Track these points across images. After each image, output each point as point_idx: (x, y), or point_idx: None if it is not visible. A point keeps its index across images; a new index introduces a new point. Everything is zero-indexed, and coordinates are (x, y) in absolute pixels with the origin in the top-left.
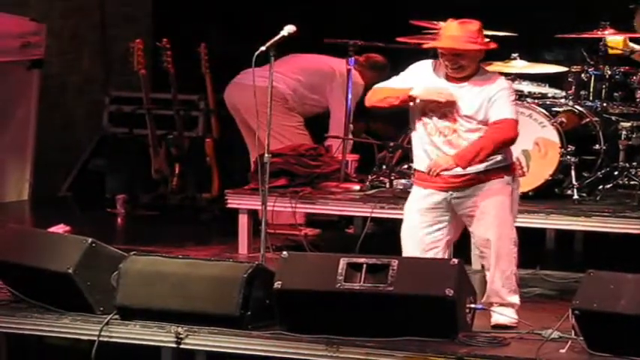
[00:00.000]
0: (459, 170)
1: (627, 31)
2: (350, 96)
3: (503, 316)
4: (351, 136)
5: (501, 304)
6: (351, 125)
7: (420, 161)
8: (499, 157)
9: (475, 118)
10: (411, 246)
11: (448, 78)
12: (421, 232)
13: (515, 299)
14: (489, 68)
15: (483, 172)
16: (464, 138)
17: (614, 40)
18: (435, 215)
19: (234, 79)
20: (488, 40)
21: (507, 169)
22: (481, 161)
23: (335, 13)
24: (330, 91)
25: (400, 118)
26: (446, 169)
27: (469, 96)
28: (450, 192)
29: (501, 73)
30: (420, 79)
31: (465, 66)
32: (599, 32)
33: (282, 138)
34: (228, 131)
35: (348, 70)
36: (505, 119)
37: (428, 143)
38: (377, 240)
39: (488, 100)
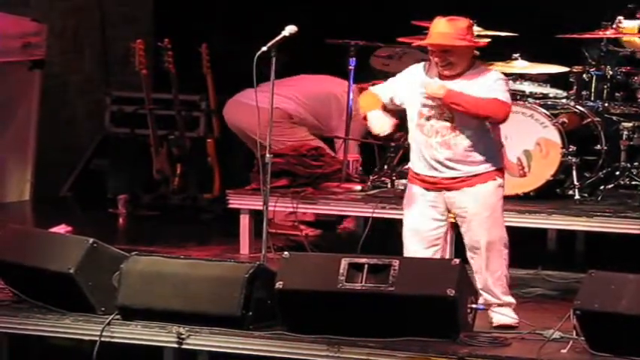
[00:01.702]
0: (451, 173)
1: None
2: (352, 95)
3: (504, 316)
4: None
5: (499, 305)
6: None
7: (416, 161)
8: (491, 161)
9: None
10: (413, 244)
11: (441, 76)
12: (422, 230)
13: (511, 298)
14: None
15: (475, 174)
16: (462, 137)
17: (630, 26)
18: (434, 213)
19: (235, 97)
20: (480, 38)
21: (499, 171)
22: (462, 109)
23: (336, 13)
24: (338, 121)
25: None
26: (432, 95)
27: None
28: (444, 192)
29: (503, 74)
30: (412, 81)
31: (454, 63)
32: (600, 32)
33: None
34: (230, 131)
35: (350, 70)
36: (500, 101)
37: (424, 145)
38: (378, 240)
39: (484, 93)
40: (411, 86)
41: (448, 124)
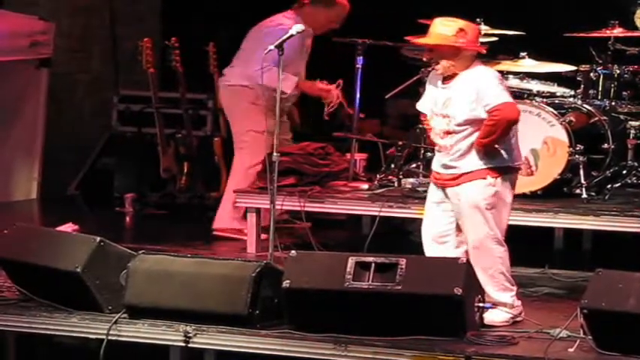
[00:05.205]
0: (451, 170)
1: (633, 29)
2: (358, 95)
3: (493, 314)
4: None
5: (492, 304)
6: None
7: (434, 160)
8: (486, 160)
9: (463, 118)
10: (425, 239)
11: (442, 80)
12: (432, 225)
13: (505, 297)
14: (498, 67)
15: (467, 172)
16: (457, 140)
17: None
18: (443, 210)
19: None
20: (480, 41)
21: (495, 170)
22: (493, 139)
23: None
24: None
25: (409, 119)
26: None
27: (454, 97)
28: (446, 189)
29: (510, 72)
30: (429, 87)
31: (439, 63)
32: (607, 31)
33: (242, 144)
34: None
35: (357, 69)
36: (496, 108)
37: (436, 145)
38: (386, 239)
39: (475, 98)
40: (429, 92)
41: (445, 126)
